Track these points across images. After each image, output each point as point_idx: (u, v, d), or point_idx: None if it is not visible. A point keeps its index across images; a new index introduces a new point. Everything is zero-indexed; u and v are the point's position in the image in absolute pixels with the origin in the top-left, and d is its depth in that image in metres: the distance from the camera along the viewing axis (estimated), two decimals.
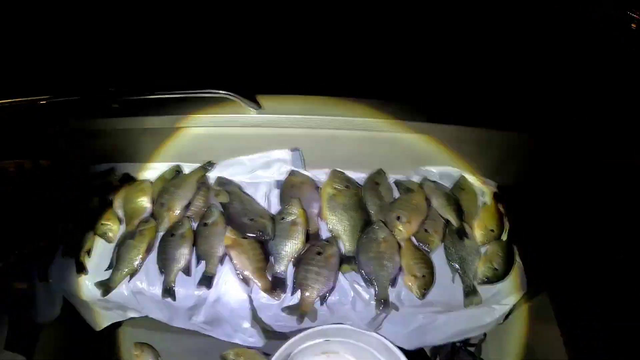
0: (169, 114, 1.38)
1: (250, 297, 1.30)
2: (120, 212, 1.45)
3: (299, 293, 1.29)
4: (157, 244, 1.38)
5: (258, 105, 1.36)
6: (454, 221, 1.40)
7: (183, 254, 1.33)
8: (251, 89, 1.35)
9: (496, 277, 1.35)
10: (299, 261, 1.31)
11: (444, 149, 1.49)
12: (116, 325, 1.58)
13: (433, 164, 1.52)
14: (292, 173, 1.45)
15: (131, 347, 1.60)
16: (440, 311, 1.41)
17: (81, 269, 1.39)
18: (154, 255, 1.37)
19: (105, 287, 1.35)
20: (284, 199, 1.41)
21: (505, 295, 1.39)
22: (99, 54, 2.20)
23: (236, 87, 1.33)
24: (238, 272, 1.30)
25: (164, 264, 1.33)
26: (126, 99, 1.36)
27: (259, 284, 1.29)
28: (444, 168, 1.52)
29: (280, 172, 1.47)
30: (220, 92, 1.30)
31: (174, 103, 1.38)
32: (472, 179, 1.52)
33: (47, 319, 1.51)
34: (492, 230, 1.42)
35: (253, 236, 1.33)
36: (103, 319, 1.51)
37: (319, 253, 1.31)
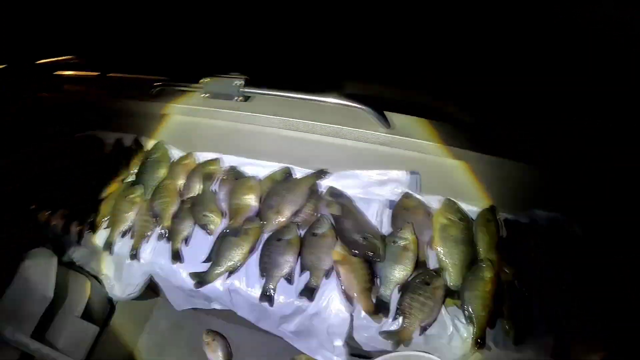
0: (291, 117, 1.32)
1: (351, 316, 1.27)
2: (224, 206, 1.41)
3: (400, 319, 1.26)
4: (260, 245, 1.34)
5: (388, 124, 1.30)
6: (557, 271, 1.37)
7: (288, 261, 1.30)
8: (384, 105, 1.28)
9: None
10: (405, 288, 1.28)
11: (557, 193, 1.44)
12: (194, 310, 1.56)
13: (543, 207, 1.47)
14: (406, 195, 1.40)
15: (203, 333, 1.59)
16: (522, 358, 1.39)
17: (177, 256, 1.36)
18: (254, 256, 1.34)
19: (201, 279, 1.32)
20: (396, 221, 1.37)
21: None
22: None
23: (371, 102, 1.26)
24: (343, 289, 1.26)
25: (267, 268, 1.30)
26: (254, 93, 1.30)
27: (363, 305, 1.26)
28: (554, 214, 1.47)
29: (393, 193, 1.42)
30: (357, 105, 1.24)
31: (301, 107, 1.32)
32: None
33: (128, 296, 1.49)
34: None
35: (363, 255, 1.28)
36: (186, 304, 1.48)
37: (427, 283, 1.28)
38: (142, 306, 1.65)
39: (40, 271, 1.37)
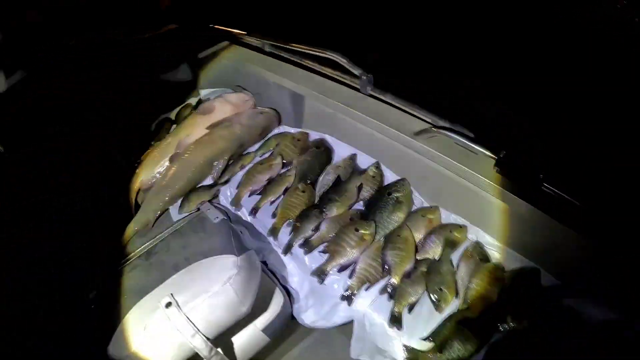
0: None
1: None
2: (459, 283, 1.29)
3: None
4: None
5: None
6: None
7: None
8: None
9: None
10: None
11: None
12: None
13: None
14: None
15: None
16: None
17: (397, 321, 1.26)
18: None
19: (414, 357, 1.23)
20: None
21: None
22: None
23: None
24: None
25: None
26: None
27: None
28: None
29: None
30: None
31: None
32: None
33: (314, 325, 1.41)
34: None
35: None
36: (364, 354, 1.40)
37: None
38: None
39: (245, 280, 1.26)
